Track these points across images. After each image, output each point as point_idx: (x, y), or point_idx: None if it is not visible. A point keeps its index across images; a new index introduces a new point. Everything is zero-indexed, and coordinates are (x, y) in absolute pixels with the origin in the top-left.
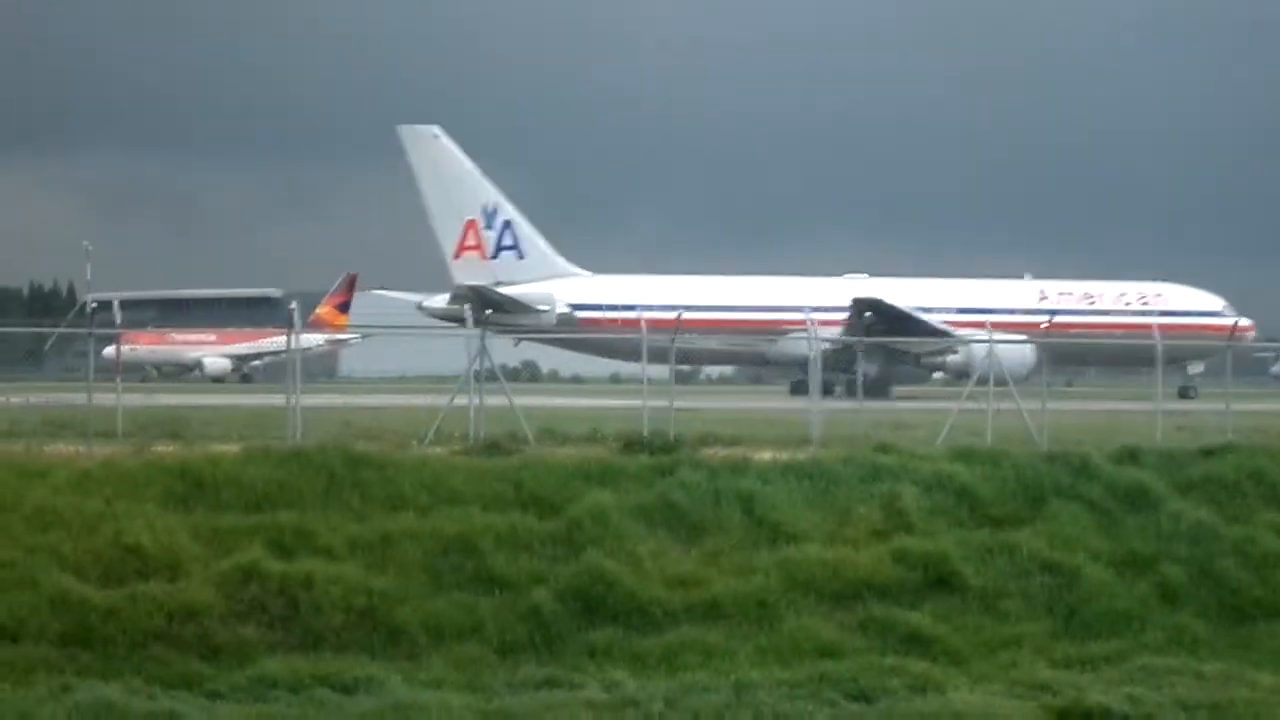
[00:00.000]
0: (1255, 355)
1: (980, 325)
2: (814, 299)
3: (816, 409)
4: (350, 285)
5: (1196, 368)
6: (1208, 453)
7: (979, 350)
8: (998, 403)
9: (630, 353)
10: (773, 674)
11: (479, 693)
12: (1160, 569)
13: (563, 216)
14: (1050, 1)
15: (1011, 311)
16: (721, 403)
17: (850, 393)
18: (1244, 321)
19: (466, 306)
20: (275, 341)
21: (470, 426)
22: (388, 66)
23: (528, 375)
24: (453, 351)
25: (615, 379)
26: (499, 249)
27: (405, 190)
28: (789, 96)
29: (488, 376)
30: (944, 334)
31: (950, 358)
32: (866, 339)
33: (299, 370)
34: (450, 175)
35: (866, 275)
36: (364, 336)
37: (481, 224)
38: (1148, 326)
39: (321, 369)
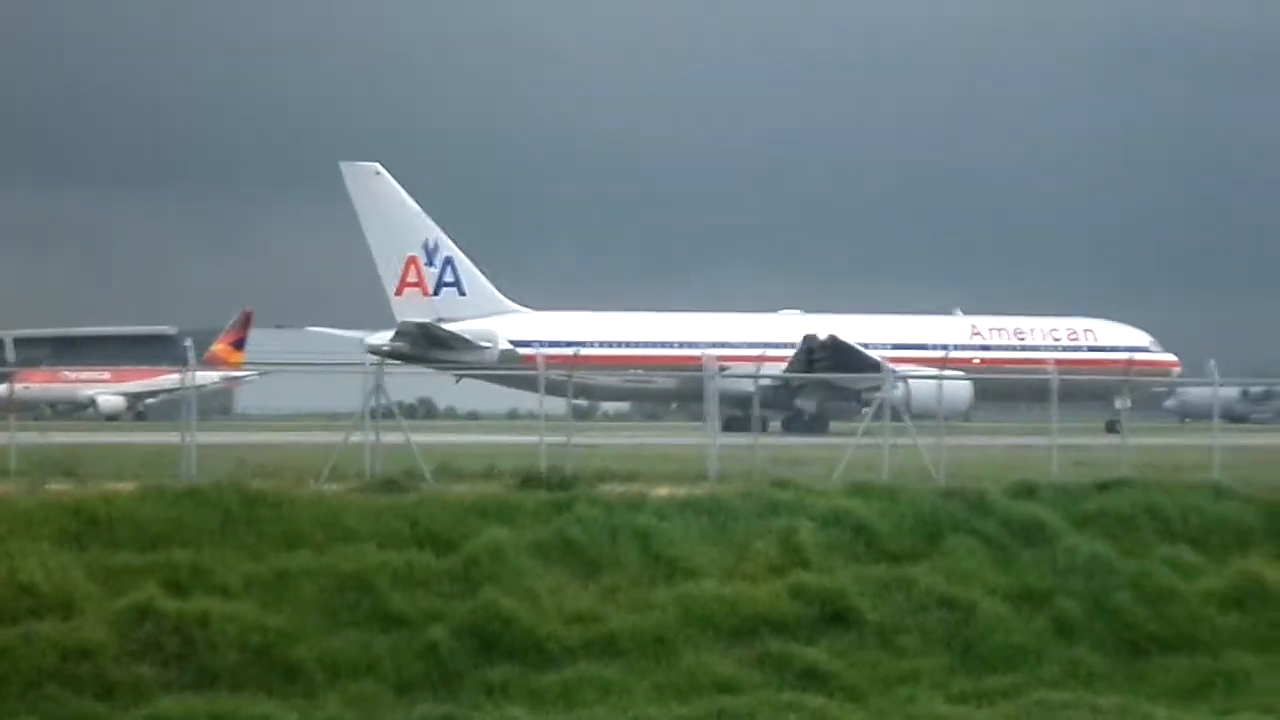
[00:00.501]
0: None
1: (916, 361)
2: (756, 335)
3: (714, 445)
4: (245, 322)
5: (1124, 402)
6: (1103, 487)
7: (919, 385)
8: (894, 438)
9: (581, 390)
10: (670, 710)
11: None
12: (1056, 603)
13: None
14: (953, 36)
15: (945, 347)
16: (619, 439)
17: (788, 428)
18: (1169, 357)
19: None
20: (170, 379)
21: (366, 464)
22: (318, 101)
23: (424, 412)
24: (353, 388)
25: (513, 415)
26: (440, 285)
27: (327, 227)
28: (715, 130)
29: (384, 413)
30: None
31: (891, 393)
32: (806, 375)
33: (194, 408)
34: (391, 212)
35: (800, 311)
36: (260, 374)
37: (423, 260)
38: (1078, 362)
39: (217, 406)
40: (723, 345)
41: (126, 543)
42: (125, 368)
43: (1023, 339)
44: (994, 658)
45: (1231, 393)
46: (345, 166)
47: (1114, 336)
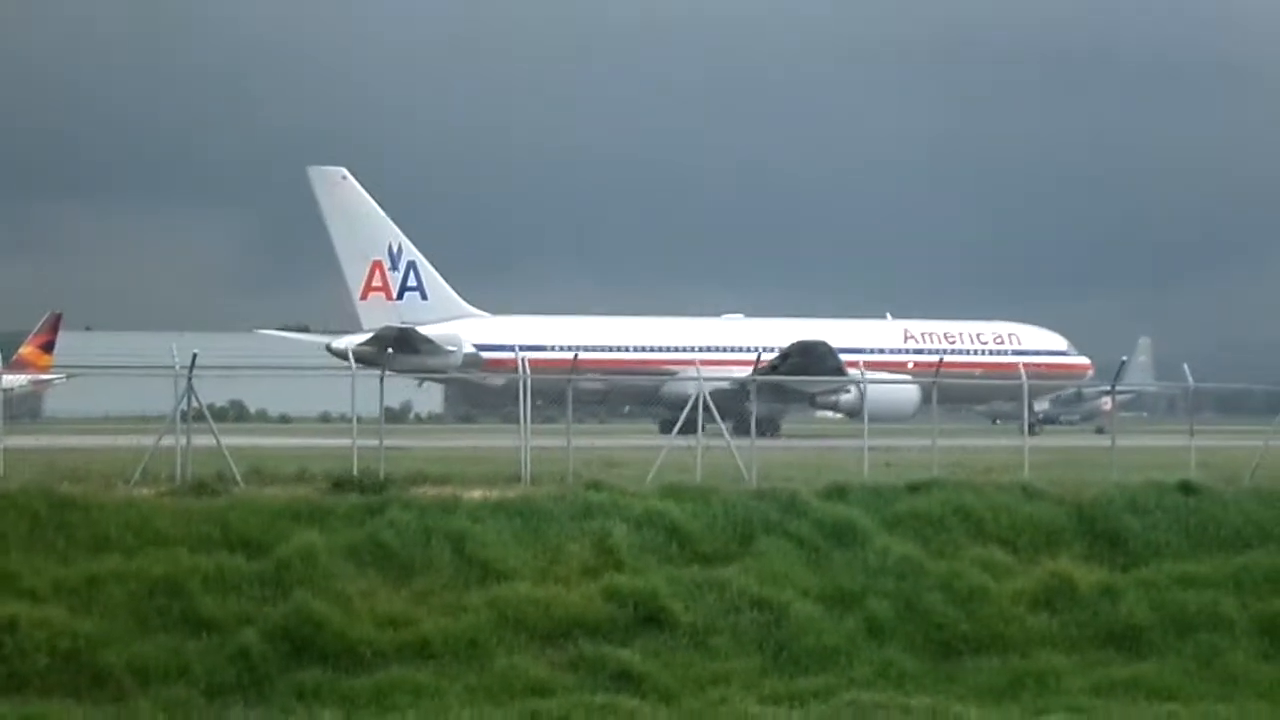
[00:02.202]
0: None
1: (855, 365)
2: (712, 339)
3: (526, 447)
4: (55, 325)
5: (1041, 405)
6: (913, 488)
7: (871, 389)
8: (707, 440)
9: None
10: (483, 713)
11: None
12: (867, 604)
13: None
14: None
15: (882, 351)
16: (432, 441)
17: (739, 431)
18: (1083, 360)
19: (389, 350)
20: None
21: (177, 467)
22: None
23: (235, 415)
24: (164, 391)
25: (325, 418)
26: (403, 290)
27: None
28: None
29: (195, 416)
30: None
31: (844, 397)
32: (760, 378)
33: (0, 411)
34: (357, 216)
35: (742, 315)
36: (68, 376)
37: (387, 265)
38: (1004, 366)
39: (25, 409)
40: (676, 350)
41: None
42: None
43: (953, 343)
44: (806, 659)
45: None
46: (313, 171)
47: (1035, 340)
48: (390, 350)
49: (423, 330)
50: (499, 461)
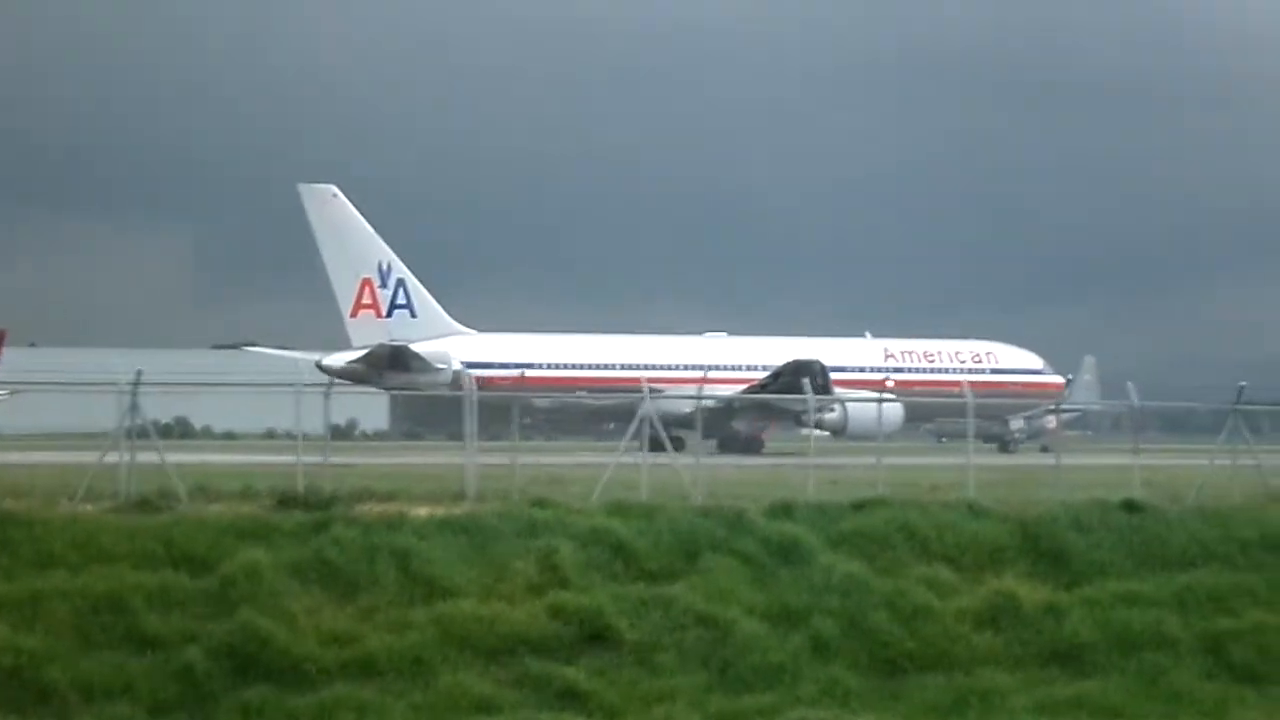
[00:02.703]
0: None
1: (839, 383)
2: (696, 358)
3: (472, 464)
4: None
5: (1017, 422)
6: (859, 506)
7: (855, 408)
8: (653, 457)
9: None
10: None
11: None
12: (813, 622)
13: None
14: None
15: (863, 370)
16: (378, 458)
17: (724, 449)
18: (1058, 379)
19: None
20: None
21: (121, 484)
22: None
23: (180, 431)
24: (110, 408)
25: (270, 435)
26: (393, 307)
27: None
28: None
29: (139, 433)
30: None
31: (829, 415)
32: (748, 396)
33: None
34: (347, 234)
35: (725, 334)
36: (11, 393)
37: (376, 282)
38: (983, 384)
39: None
40: (662, 368)
41: None
42: None
43: (932, 361)
44: (751, 676)
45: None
46: (303, 189)
47: (1011, 359)
48: (386, 368)
49: (414, 348)
50: (445, 478)
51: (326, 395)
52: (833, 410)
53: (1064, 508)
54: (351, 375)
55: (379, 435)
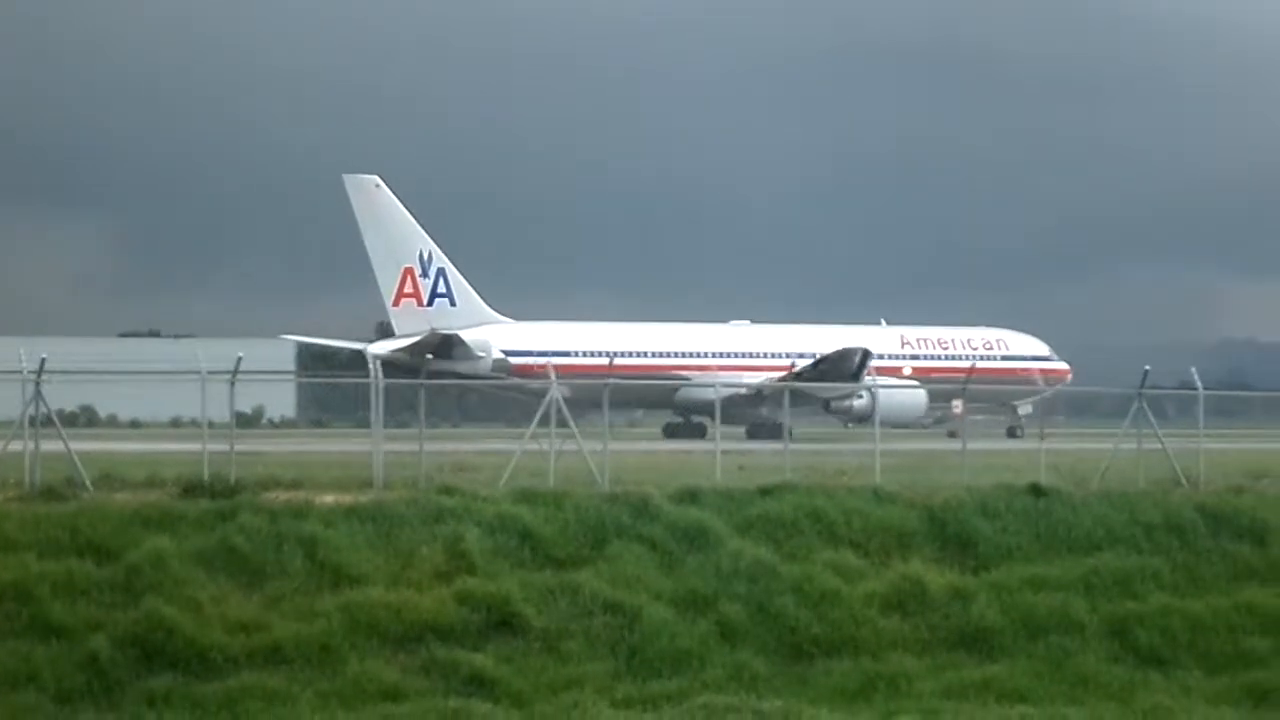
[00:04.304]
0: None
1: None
2: (726, 345)
3: (379, 451)
4: None
5: (1025, 409)
6: (766, 492)
7: (882, 394)
8: (561, 443)
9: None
10: (335, 718)
11: None
12: (720, 607)
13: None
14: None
15: (881, 357)
16: (285, 445)
17: (752, 436)
18: (1063, 365)
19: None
20: None
21: (25, 473)
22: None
23: (86, 419)
24: (13, 396)
25: (176, 422)
26: (434, 296)
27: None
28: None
29: (44, 421)
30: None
31: (856, 402)
32: (781, 384)
33: None
34: (389, 223)
35: (749, 322)
36: None
37: (418, 271)
38: (995, 371)
39: None
40: (690, 355)
41: None
42: None
43: (946, 349)
44: (659, 662)
45: None
46: (348, 179)
47: (1020, 346)
48: (430, 355)
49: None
50: (352, 466)
51: (232, 383)
52: (860, 397)
53: (970, 492)
54: (396, 363)
55: (286, 423)
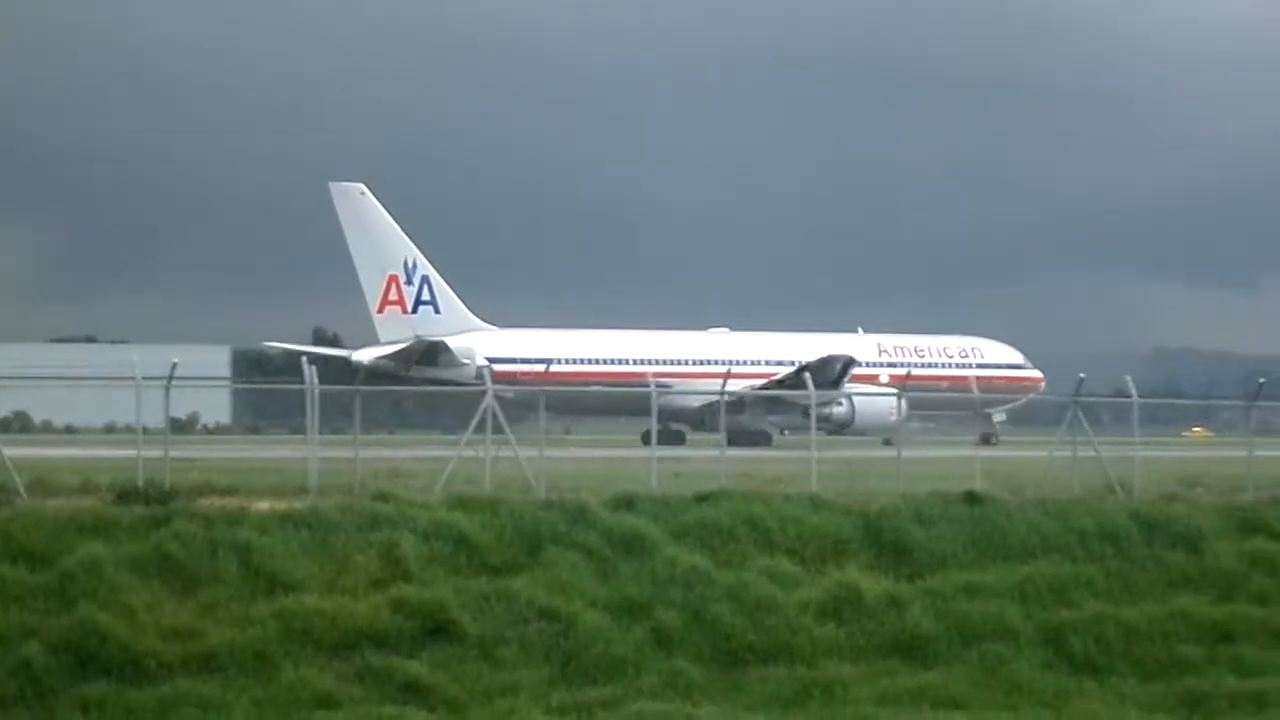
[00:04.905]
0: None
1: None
2: (705, 353)
3: (314, 458)
4: None
5: (1000, 415)
6: (701, 499)
7: (861, 402)
8: (496, 450)
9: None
10: None
11: None
12: (655, 614)
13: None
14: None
15: (858, 365)
16: (220, 452)
17: (733, 443)
18: (1037, 373)
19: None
20: None
21: None
22: None
23: (19, 425)
24: None
25: (110, 429)
26: (418, 303)
27: None
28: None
29: None
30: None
31: (836, 409)
32: (762, 392)
33: None
34: (374, 231)
35: (728, 329)
36: None
37: (402, 279)
38: (969, 378)
39: None
40: (670, 362)
41: None
42: None
43: (922, 356)
44: (594, 669)
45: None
46: (334, 186)
47: (995, 354)
48: (413, 363)
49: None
50: (287, 472)
51: (167, 389)
52: (840, 405)
53: (906, 500)
54: (381, 370)
55: (221, 429)
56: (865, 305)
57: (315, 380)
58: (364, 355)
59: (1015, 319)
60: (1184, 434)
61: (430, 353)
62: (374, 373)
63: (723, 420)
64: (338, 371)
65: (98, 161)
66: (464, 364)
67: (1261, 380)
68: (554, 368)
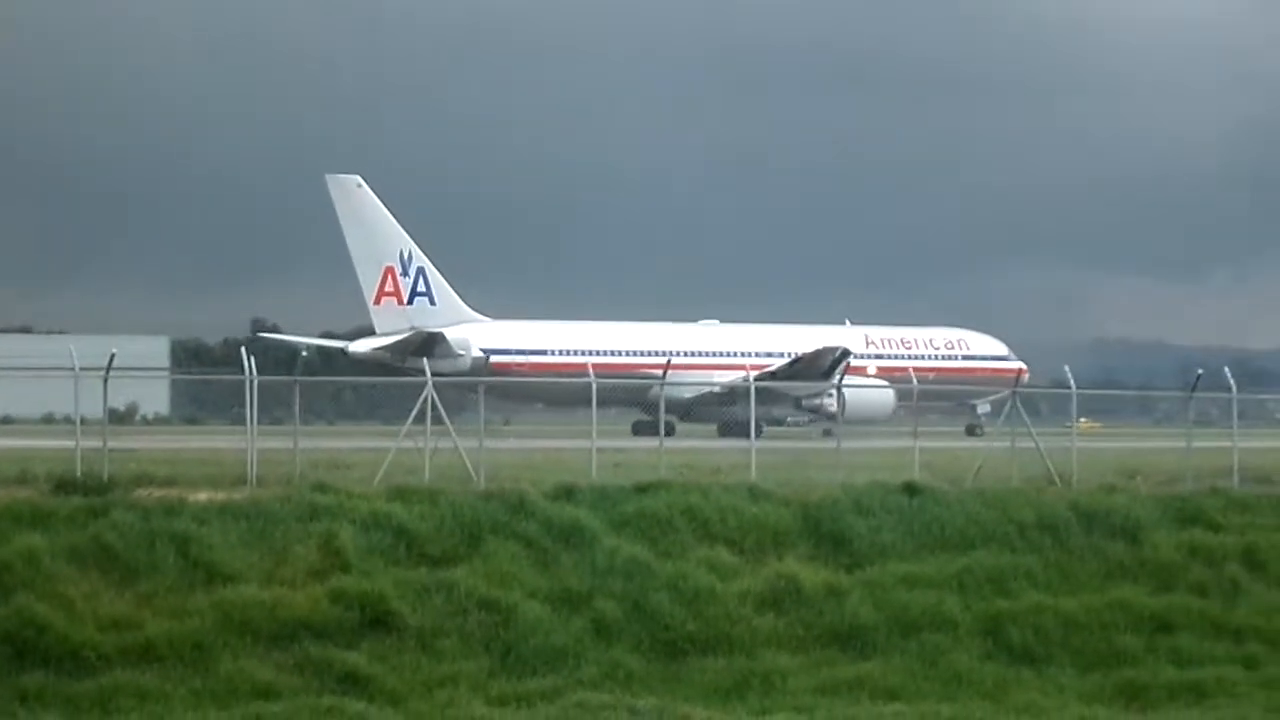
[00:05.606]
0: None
1: None
2: (698, 344)
3: (252, 449)
4: None
5: (984, 407)
6: (641, 489)
7: (851, 394)
8: (436, 441)
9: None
10: (208, 716)
11: None
12: (595, 605)
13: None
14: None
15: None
16: (159, 442)
17: (724, 434)
18: (1020, 365)
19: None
20: None
21: None
22: None
23: None
24: None
25: (48, 419)
26: (413, 295)
27: None
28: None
29: None
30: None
31: (827, 401)
32: (755, 383)
33: None
34: (370, 223)
35: (718, 321)
36: None
37: (398, 270)
38: (956, 370)
39: None
40: (663, 354)
41: None
42: None
43: (909, 348)
44: (534, 659)
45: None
46: (330, 179)
47: (980, 346)
48: (409, 354)
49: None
50: (226, 463)
51: (105, 379)
52: (830, 396)
53: (845, 490)
54: (377, 360)
55: (160, 420)
56: (805, 300)
57: (254, 371)
58: (361, 346)
59: (953, 312)
60: (1067, 425)
61: (428, 344)
62: (371, 363)
63: (661, 408)
64: (335, 363)
65: (30, 153)
66: (460, 355)
67: (1200, 372)
68: (548, 359)
